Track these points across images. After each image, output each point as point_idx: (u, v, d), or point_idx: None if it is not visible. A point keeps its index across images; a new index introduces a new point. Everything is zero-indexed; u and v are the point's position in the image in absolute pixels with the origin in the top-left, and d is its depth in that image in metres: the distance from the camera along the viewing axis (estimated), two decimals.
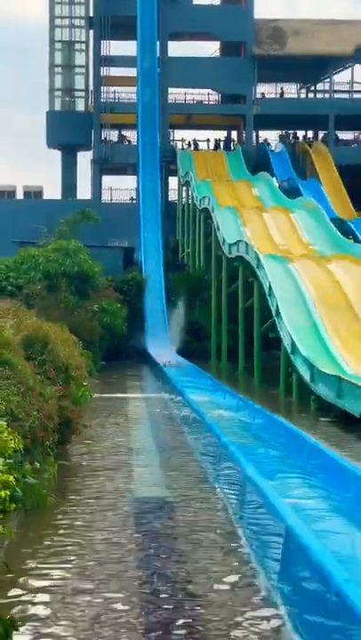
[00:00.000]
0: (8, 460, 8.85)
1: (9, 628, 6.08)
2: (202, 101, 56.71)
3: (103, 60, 53.75)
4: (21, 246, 36.48)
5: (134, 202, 51.84)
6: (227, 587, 7.92)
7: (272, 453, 14.73)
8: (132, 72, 51.71)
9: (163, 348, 36.20)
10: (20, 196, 56.67)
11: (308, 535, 7.26)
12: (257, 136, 56.51)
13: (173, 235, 49.79)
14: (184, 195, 49.31)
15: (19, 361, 11.56)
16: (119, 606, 7.29)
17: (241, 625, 6.83)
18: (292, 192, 44.93)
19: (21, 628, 6.51)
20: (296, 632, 6.60)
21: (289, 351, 25.05)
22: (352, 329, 25.30)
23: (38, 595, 7.54)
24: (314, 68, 55.18)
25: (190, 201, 46.16)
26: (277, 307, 26.61)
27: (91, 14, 55.15)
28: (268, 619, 6.94)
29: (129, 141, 55.15)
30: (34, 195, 56.33)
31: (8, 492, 8.40)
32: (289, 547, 7.52)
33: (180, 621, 7.02)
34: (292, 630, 6.67)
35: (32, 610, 7.18)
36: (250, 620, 6.92)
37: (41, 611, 7.19)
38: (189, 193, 46.73)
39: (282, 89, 57.91)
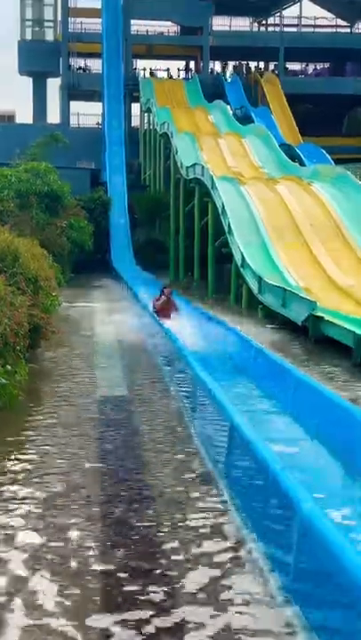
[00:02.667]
0: None
1: None
2: (162, 33, 55.54)
3: None
4: None
5: (100, 127, 51.01)
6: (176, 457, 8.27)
7: (224, 356, 14.90)
8: (97, 4, 50.41)
9: (125, 261, 36.52)
10: None
11: (248, 428, 7.40)
12: (224, 66, 55.67)
13: (136, 158, 49.16)
14: (146, 120, 48.55)
15: None
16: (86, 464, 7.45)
17: (184, 497, 7.01)
18: (244, 119, 44.40)
19: None
20: (237, 511, 6.79)
21: (239, 265, 25.14)
22: (296, 244, 25.37)
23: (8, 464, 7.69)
24: (265, 2, 54.11)
25: (151, 126, 45.47)
26: (230, 225, 26.57)
27: None
28: (212, 500, 7.11)
29: (89, 70, 54.21)
30: (7, 119, 55.28)
31: None
32: (233, 438, 7.67)
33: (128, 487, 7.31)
34: (233, 509, 6.86)
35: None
36: (198, 501, 7.09)
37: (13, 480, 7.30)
38: (150, 119, 46.02)
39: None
